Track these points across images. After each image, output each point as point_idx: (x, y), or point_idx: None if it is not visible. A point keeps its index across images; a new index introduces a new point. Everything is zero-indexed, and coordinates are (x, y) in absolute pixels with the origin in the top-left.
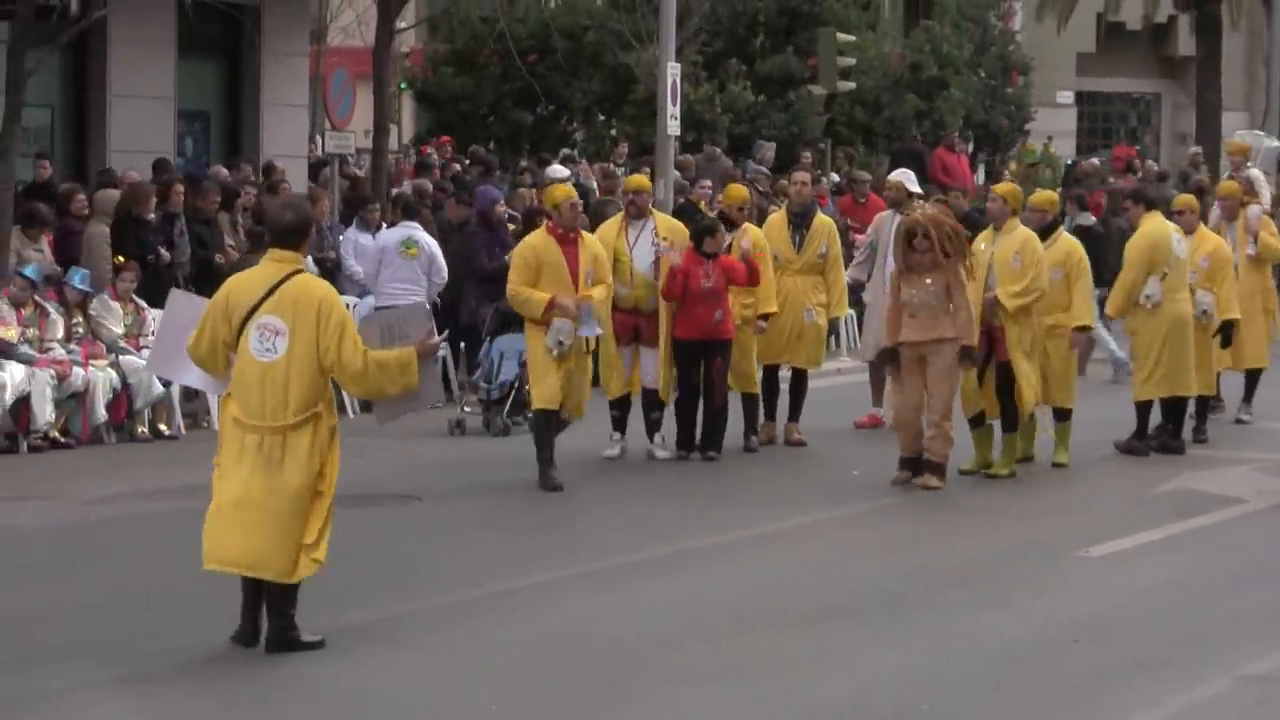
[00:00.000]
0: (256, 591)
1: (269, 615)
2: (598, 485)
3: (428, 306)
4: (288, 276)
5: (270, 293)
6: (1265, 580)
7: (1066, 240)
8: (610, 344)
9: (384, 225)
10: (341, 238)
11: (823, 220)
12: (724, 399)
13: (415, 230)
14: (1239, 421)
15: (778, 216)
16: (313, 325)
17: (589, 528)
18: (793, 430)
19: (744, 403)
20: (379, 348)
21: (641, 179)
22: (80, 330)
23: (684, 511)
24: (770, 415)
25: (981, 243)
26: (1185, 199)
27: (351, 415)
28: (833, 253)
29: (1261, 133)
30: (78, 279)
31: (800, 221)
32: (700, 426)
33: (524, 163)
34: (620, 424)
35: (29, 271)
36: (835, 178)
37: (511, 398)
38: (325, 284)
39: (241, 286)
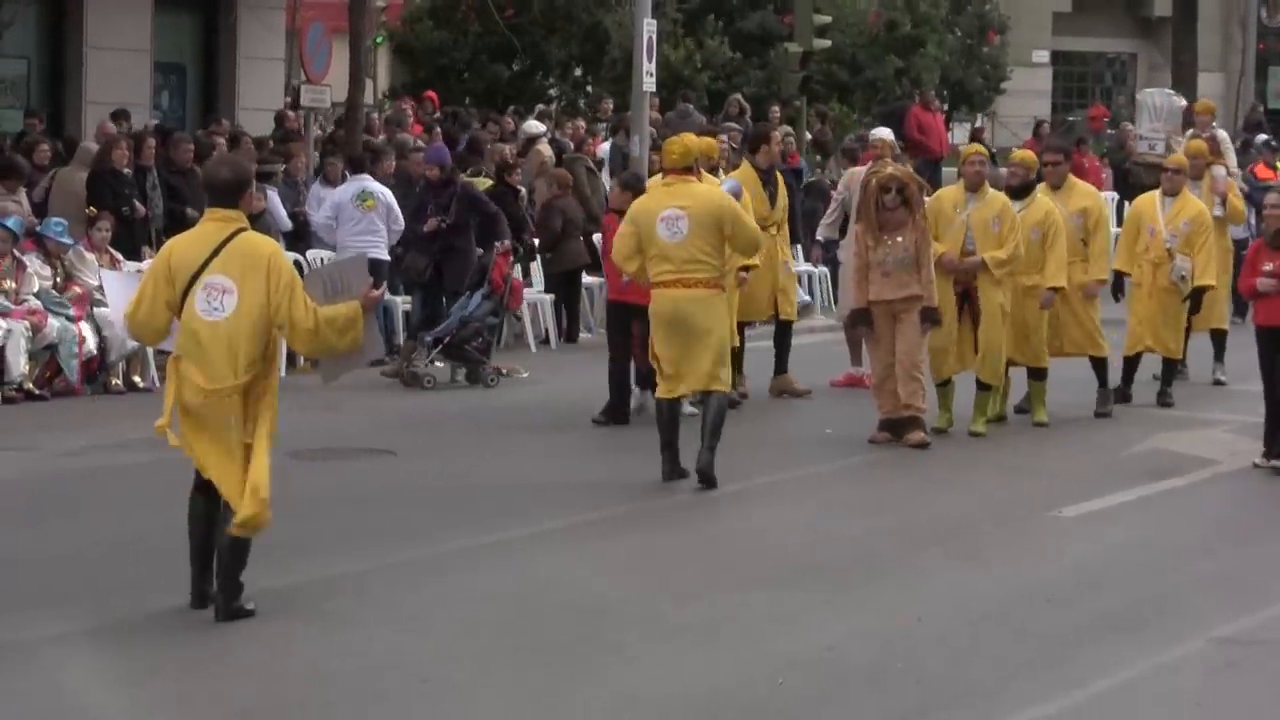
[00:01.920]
0: (206, 553)
1: (219, 582)
2: (570, 438)
3: (367, 258)
4: (233, 235)
5: (216, 252)
6: (1238, 542)
7: (1044, 201)
8: None
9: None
10: (310, 193)
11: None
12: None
13: (368, 182)
14: (1217, 382)
15: (748, 173)
16: (262, 283)
17: (559, 483)
18: (790, 381)
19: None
20: (324, 303)
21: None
22: (58, 281)
23: (655, 468)
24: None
25: (952, 205)
26: (1176, 159)
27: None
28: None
29: (1170, 91)
30: (57, 229)
31: (769, 178)
32: (638, 384)
33: (497, 117)
34: (643, 379)
35: (11, 223)
36: (808, 135)
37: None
38: (272, 242)
39: (184, 247)
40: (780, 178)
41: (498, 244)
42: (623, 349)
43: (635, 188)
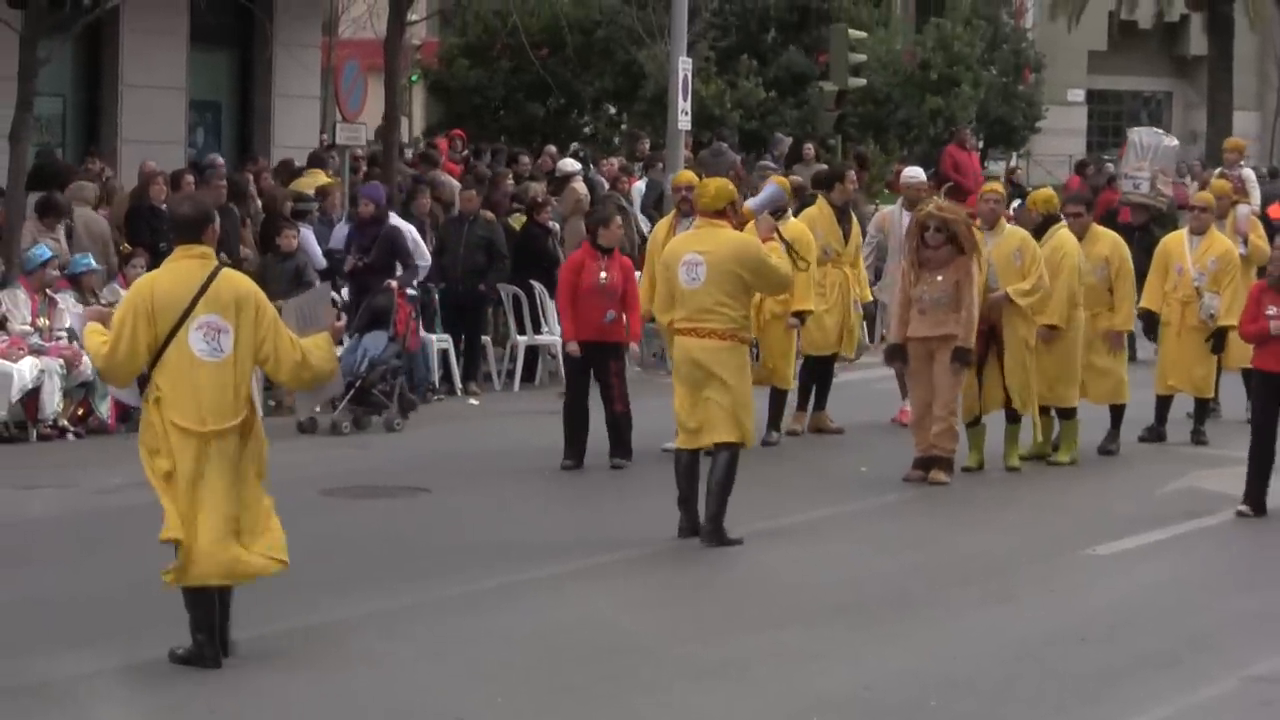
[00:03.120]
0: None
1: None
2: (605, 477)
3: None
4: (215, 272)
5: (203, 290)
6: (1272, 580)
7: (1064, 237)
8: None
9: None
10: (334, 232)
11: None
12: (624, 403)
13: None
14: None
15: (824, 210)
16: (251, 321)
17: (595, 520)
18: (825, 419)
19: (772, 397)
20: (299, 335)
21: (691, 174)
22: None
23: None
24: (805, 405)
25: None
26: (1203, 196)
27: None
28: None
29: (1160, 131)
30: (84, 263)
31: (844, 216)
32: (608, 432)
33: (524, 157)
34: None
35: (40, 253)
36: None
37: (351, 394)
38: (248, 279)
39: (167, 286)
40: (854, 215)
41: (390, 283)
42: (580, 389)
43: (593, 221)
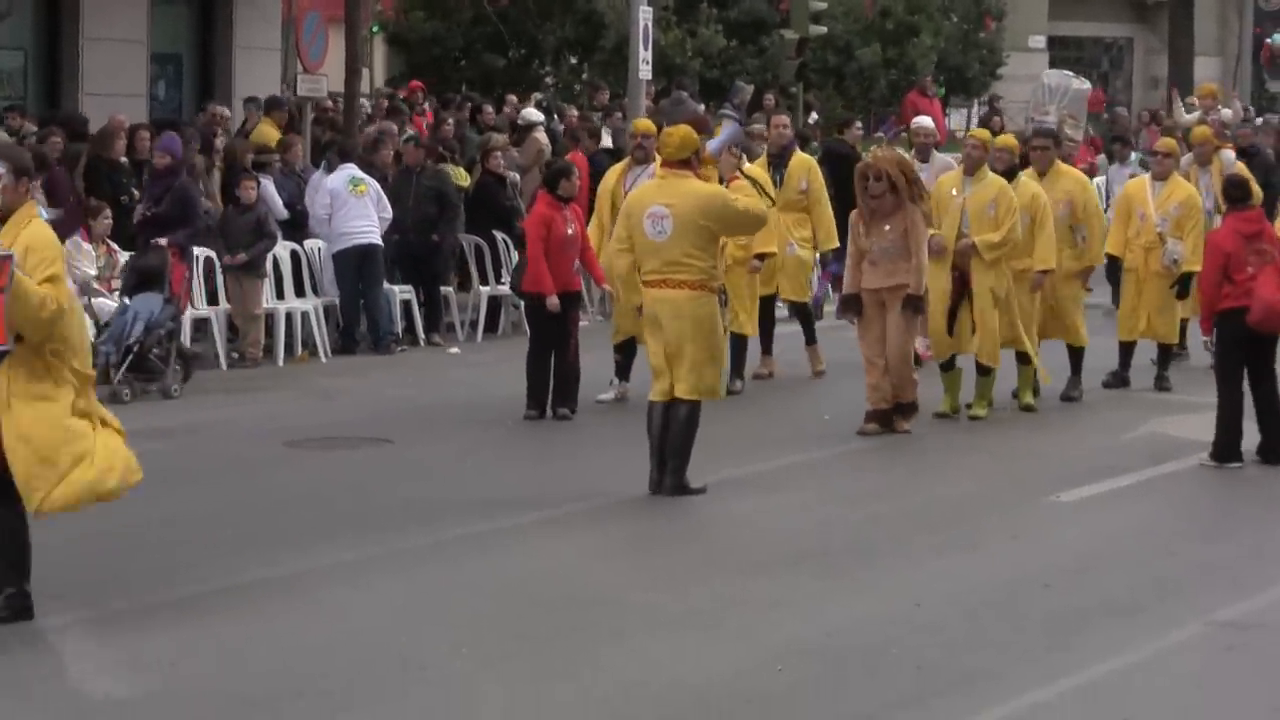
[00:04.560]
0: None
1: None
2: (567, 429)
3: None
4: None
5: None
6: (1236, 526)
7: (1029, 184)
8: (616, 286)
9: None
10: (310, 182)
11: (800, 158)
12: (576, 352)
13: (354, 170)
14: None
15: (760, 159)
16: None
17: (558, 471)
18: (816, 358)
19: (733, 344)
20: None
21: (648, 123)
22: None
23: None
24: (767, 350)
25: (951, 188)
26: (1166, 142)
27: (324, 359)
28: (814, 189)
29: (1070, 74)
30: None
31: (779, 161)
32: (554, 383)
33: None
34: (622, 370)
35: None
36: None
37: (130, 361)
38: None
39: None
40: (798, 159)
41: (159, 240)
42: (545, 340)
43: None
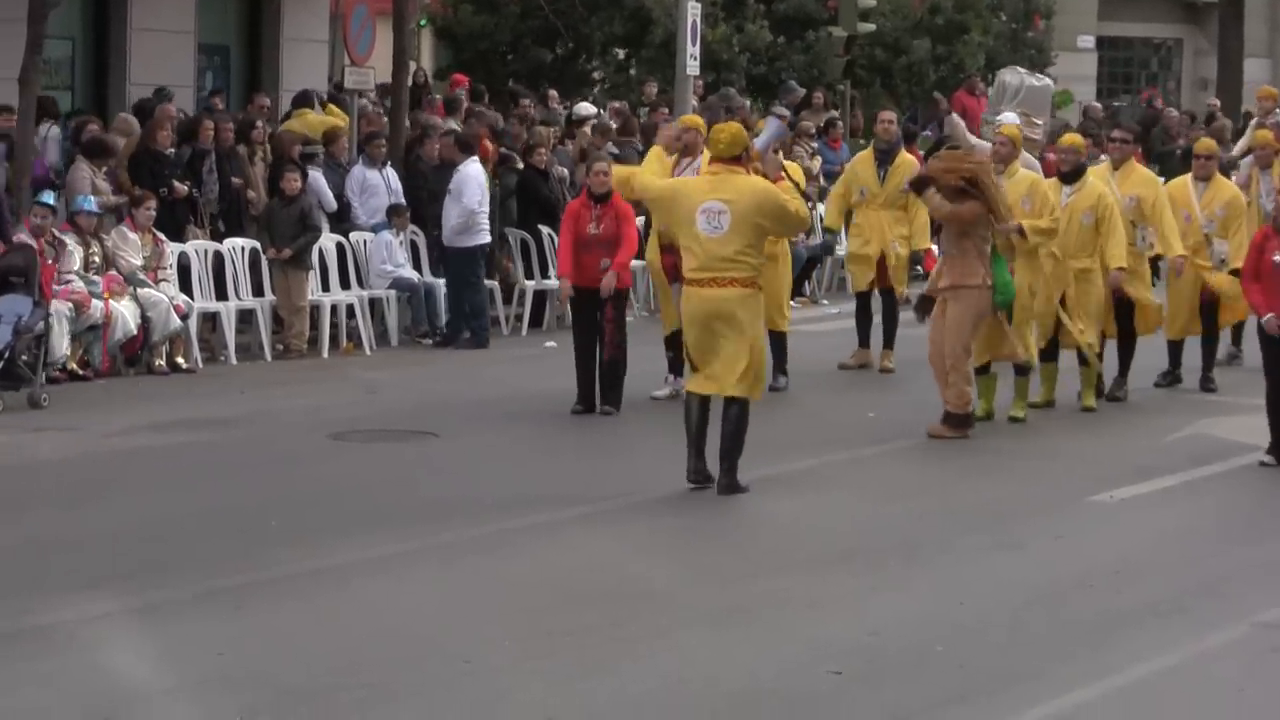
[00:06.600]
0: None
1: None
2: (612, 425)
3: None
4: None
5: None
6: None
7: (1096, 184)
8: (662, 279)
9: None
10: (351, 174)
11: (905, 158)
12: (617, 350)
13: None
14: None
15: (865, 153)
16: None
17: (601, 467)
18: (886, 357)
19: (772, 341)
20: None
21: (696, 118)
22: (97, 260)
23: None
24: (864, 342)
25: None
26: (1206, 144)
27: (369, 351)
28: None
29: (1024, 70)
30: (87, 203)
31: (885, 158)
32: (599, 379)
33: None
34: (676, 365)
35: (46, 198)
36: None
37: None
38: None
39: None
40: (903, 158)
41: (20, 236)
42: (585, 331)
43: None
